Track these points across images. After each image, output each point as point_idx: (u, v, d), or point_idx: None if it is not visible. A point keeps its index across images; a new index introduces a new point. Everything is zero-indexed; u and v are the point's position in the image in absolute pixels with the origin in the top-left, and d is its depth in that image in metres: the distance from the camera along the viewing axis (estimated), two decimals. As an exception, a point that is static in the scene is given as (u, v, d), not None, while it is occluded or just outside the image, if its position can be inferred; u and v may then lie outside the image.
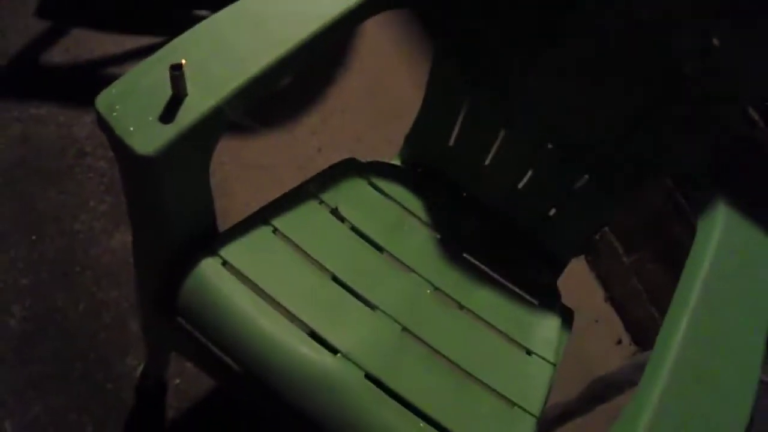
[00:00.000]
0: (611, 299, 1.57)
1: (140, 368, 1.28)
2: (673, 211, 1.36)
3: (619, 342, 1.53)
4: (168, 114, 0.78)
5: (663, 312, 1.39)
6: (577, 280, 1.57)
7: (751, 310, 0.77)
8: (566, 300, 1.07)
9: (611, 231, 1.52)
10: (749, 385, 0.70)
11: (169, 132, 0.76)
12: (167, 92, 0.78)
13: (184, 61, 0.77)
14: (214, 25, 0.86)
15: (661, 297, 1.42)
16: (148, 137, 0.75)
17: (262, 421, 1.26)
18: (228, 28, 0.87)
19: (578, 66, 0.99)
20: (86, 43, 1.75)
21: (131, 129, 0.76)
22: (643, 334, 1.50)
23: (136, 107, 0.77)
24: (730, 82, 0.89)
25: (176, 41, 0.83)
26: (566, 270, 1.13)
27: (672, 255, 1.38)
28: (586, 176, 1.03)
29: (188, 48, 0.82)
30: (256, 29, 0.87)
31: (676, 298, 0.77)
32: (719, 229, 0.82)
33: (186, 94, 0.79)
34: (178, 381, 1.30)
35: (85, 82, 1.67)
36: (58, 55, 1.72)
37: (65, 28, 1.77)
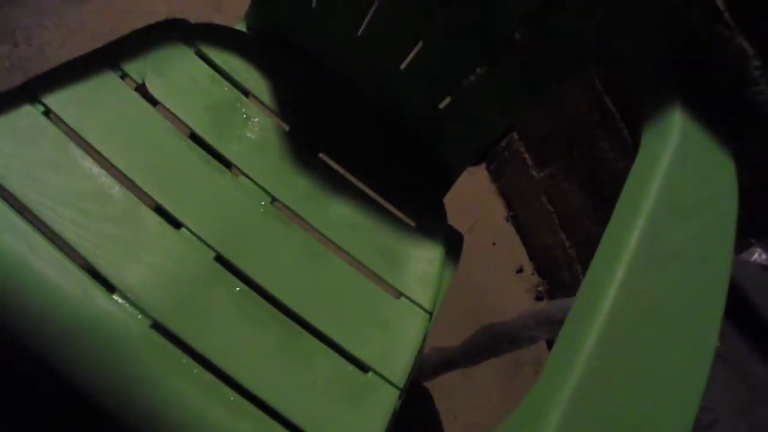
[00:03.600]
0: (514, 219, 1.34)
1: None
2: (600, 120, 1.10)
3: (520, 271, 1.31)
4: None
5: (576, 241, 1.18)
6: (474, 191, 1.33)
7: (711, 254, 0.54)
8: (458, 214, 0.82)
9: (520, 138, 1.26)
10: (701, 375, 0.48)
11: None
12: None
13: None
14: None
15: (576, 223, 1.19)
16: None
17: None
18: None
19: None
20: None
21: None
22: (550, 264, 1.28)
23: None
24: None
25: None
26: (460, 177, 0.88)
27: (594, 174, 1.14)
28: (489, 57, 0.76)
29: None
30: None
31: (609, 236, 0.52)
32: (672, 143, 0.57)
33: None
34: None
35: None
36: None
37: None
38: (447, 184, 0.86)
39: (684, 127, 0.58)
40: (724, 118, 0.62)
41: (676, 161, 0.56)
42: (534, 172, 1.26)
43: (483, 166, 1.36)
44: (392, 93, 0.85)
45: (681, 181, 0.56)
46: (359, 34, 0.82)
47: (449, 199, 0.85)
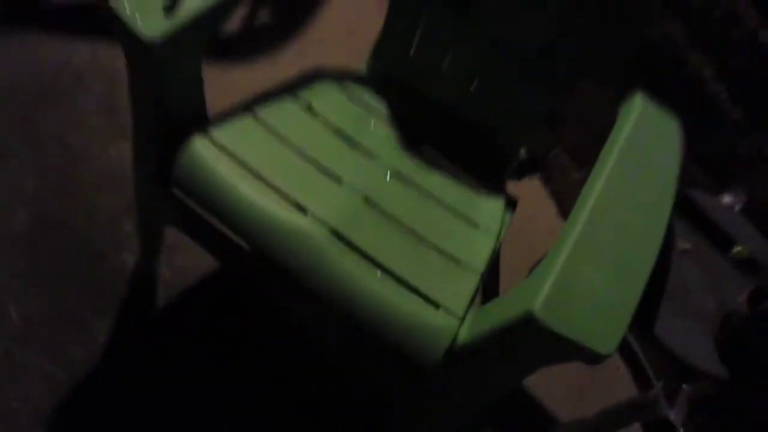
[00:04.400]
0: (563, 213, 1.73)
1: (133, 262, 1.43)
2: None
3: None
4: (170, 8, 0.91)
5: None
6: (532, 196, 1.73)
7: (660, 178, 0.93)
8: (521, 213, 1.21)
9: (563, 150, 1.67)
10: (655, 237, 0.86)
11: (170, 23, 0.90)
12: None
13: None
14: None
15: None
16: (152, 25, 0.89)
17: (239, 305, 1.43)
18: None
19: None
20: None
21: (138, 18, 0.90)
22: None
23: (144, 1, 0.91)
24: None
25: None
26: (522, 187, 1.28)
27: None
28: (524, 76, 1.19)
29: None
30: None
31: (596, 165, 0.92)
32: (635, 112, 0.98)
33: (183, -6, 0.92)
34: (167, 272, 1.45)
35: (84, 16, 1.81)
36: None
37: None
38: (505, 160, 1.27)
39: (643, 104, 0.98)
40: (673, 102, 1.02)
41: (637, 124, 0.96)
42: (575, 174, 1.65)
43: (538, 175, 1.76)
44: (464, 104, 1.27)
45: (641, 136, 0.97)
46: (441, 69, 1.26)
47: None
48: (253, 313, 1.46)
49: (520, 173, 1.67)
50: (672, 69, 1.34)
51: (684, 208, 1.13)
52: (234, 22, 1.90)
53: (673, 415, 1.03)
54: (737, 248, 1.11)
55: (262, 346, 1.44)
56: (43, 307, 1.37)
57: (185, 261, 1.47)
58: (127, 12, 0.90)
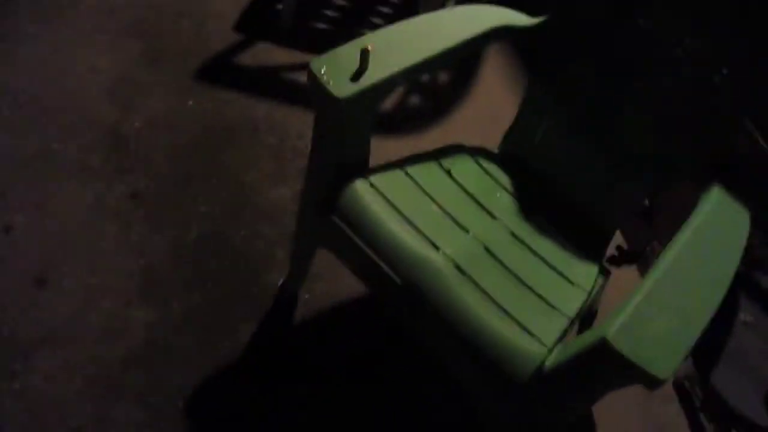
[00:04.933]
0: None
1: (280, 282, 1.72)
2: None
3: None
4: (355, 78, 1.22)
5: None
6: (628, 284, 1.92)
7: (725, 253, 1.15)
8: (617, 301, 1.42)
9: (659, 242, 1.86)
10: (716, 294, 1.06)
11: (354, 87, 1.21)
12: (356, 65, 1.23)
13: (369, 47, 1.23)
14: (391, 31, 1.34)
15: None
16: (341, 88, 1.20)
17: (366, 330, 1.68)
18: (399, 34, 1.34)
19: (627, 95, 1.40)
20: (267, 53, 2.29)
21: (331, 82, 1.21)
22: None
23: (336, 70, 1.23)
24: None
25: (366, 36, 1.30)
26: (618, 275, 1.49)
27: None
28: (625, 175, 1.43)
29: (373, 40, 1.27)
30: (415, 37, 1.35)
31: (673, 240, 1.15)
32: (711, 201, 1.21)
33: (367, 68, 1.23)
34: (307, 296, 1.73)
35: (264, 81, 2.20)
36: (246, 59, 2.26)
37: (254, 41, 2.32)
38: (605, 236, 1.49)
39: (719, 195, 1.21)
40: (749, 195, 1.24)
41: (712, 210, 1.18)
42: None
43: (635, 266, 1.95)
44: (575, 185, 1.51)
45: (713, 220, 1.18)
46: (558, 157, 1.51)
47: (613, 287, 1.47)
48: (378, 339, 1.71)
49: (619, 262, 1.88)
50: (752, 170, 1.55)
51: (752, 288, 1.32)
52: (390, 103, 2.24)
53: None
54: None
55: (385, 369, 1.67)
56: (200, 306, 1.68)
57: (324, 288, 1.75)
58: (325, 78, 1.21)
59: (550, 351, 1.17)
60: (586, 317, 1.42)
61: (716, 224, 1.20)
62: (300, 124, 2.08)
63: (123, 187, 1.87)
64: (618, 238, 1.98)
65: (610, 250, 1.94)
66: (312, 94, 1.25)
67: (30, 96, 2.05)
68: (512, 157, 1.58)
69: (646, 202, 1.93)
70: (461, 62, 2.43)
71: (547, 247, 1.39)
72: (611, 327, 0.97)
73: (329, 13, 2.48)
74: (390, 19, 1.32)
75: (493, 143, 1.62)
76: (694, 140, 1.34)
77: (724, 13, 1.28)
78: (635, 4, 1.37)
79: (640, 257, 1.91)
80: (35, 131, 1.97)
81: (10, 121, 1.98)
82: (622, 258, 1.90)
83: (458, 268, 1.24)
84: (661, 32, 1.36)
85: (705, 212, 1.20)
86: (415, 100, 2.30)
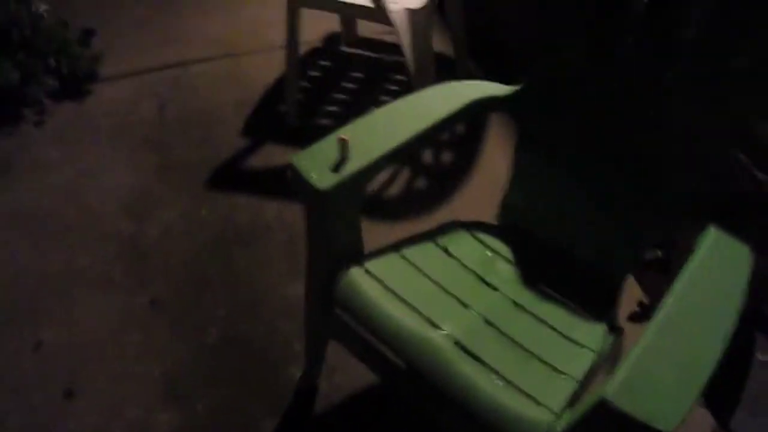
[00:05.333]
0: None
1: (299, 375, 1.73)
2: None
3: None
4: (336, 168, 1.26)
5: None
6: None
7: (726, 295, 1.13)
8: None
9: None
10: (719, 341, 1.04)
11: (336, 178, 1.25)
12: (336, 156, 1.27)
13: (346, 137, 1.27)
14: (368, 119, 1.38)
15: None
16: (323, 180, 1.24)
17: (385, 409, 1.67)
18: (376, 120, 1.39)
19: (616, 148, 1.41)
20: (274, 154, 2.38)
21: (313, 175, 1.24)
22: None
23: (317, 163, 1.27)
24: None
25: (345, 128, 1.33)
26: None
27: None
28: (622, 230, 1.43)
29: (351, 131, 1.31)
30: (392, 122, 1.40)
31: (672, 286, 1.13)
32: (707, 241, 1.20)
33: (347, 158, 1.27)
34: (326, 388, 1.73)
35: (273, 181, 2.28)
36: (254, 162, 2.35)
37: (260, 143, 2.42)
38: (611, 291, 1.47)
39: (715, 234, 1.19)
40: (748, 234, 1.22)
41: (709, 251, 1.17)
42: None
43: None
44: (575, 247, 1.51)
45: (711, 261, 1.17)
46: (554, 220, 1.52)
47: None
48: (394, 427, 1.69)
49: (642, 317, 1.85)
50: (759, 208, 1.54)
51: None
52: (398, 188, 2.29)
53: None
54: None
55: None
56: (223, 405, 1.70)
57: (341, 380, 1.75)
58: (306, 171, 1.25)
59: (559, 416, 1.15)
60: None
61: (714, 266, 1.18)
62: None
63: (144, 297, 1.93)
64: (640, 294, 1.96)
65: (632, 307, 1.92)
66: (297, 189, 1.29)
67: (55, 217, 2.16)
68: (510, 226, 1.59)
69: (659, 253, 1.92)
70: (464, 140, 2.48)
71: (550, 312, 1.38)
72: (611, 385, 0.96)
73: (331, 108, 2.58)
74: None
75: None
76: (690, 182, 1.34)
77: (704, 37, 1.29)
78: (614, 44, 1.39)
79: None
80: (61, 249, 2.06)
81: (38, 241, 2.09)
82: (644, 314, 1.87)
83: (459, 344, 1.24)
84: (642, 66, 1.37)
85: (701, 255, 1.18)
86: (420, 183, 2.33)
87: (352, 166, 1.27)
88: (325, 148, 1.29)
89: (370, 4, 2.08)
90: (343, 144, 1.27)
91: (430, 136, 1.41)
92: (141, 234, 2.11)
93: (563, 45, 1.46)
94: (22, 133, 2.49)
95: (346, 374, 1.75)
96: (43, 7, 2.67)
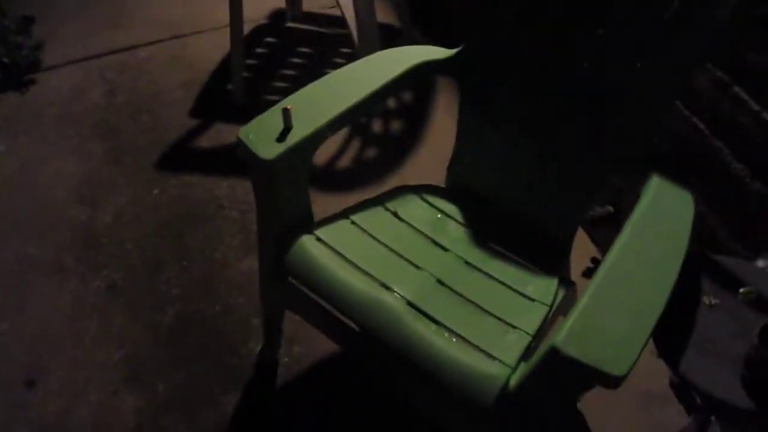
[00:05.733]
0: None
1: (258, 349, 1.74)
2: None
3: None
4: (281, 138, 1.26)
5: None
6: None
7: (671, 240, 1.15)
8: None
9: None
10: (665, 286, 1.06)
11: (281, 147, 1.25)
12: (281, 125, 1.27)
13: (290, 107, 1.26)
14: (311, 88, 1.38)
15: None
16: (269, 150, 1.23)
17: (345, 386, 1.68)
18: (319, 89, 1.38)
19: (555, 105, 1.43)
20: (224, 133, 2.37)
21: (259, 146, 1.24)
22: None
23: (262, 134, 1.26)
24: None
25: (288, 98, 1.33)
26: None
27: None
28: (563, 183, 1.46)
29: (294, 101, 1.31)
30: (334, 90, 1.39)
31: (619, 234, 1.16)
32: (651, 190, 1.23)
33: (291, 127, 1.27)
34: (286, 359, 1.74)
35: (223, 159, 2.27)
36: (204, 141, 2.33)
37: (209, 123, 2.40)
38: (561, 246, 1.50)
39: (658, 183, 1.22)
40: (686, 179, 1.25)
41: (653, 198, 1.20)
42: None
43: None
44: (521, 204, 1.53)
45: (656, 207, 1.20)
46: (500, 180, 1.53)
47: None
48: (356, 393, 1.70)
49: (594, 273, 1.88)
50: (700, 156, 1.57)
51: (714, 270, 1.32)
52: (349, 159, 2.29)
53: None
54: (744, 289, 1.27)
55: (366, 423, 1.67)
56: (184, 383, 1.70)
57: (301, 351, 1.75)
58: (252, 143, 1.24)
59: (514, 370, 1.17)
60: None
61: (658, 212, 1.20)
62: None
63: (99, 282, 1.91)
64: (593, 250, 1.99)
65: (586, 264, 1.95)
66: (244, 161, 1.28)
67: (3, 209, 2.12)
68: (458, 188, 1.60)
69: (611, 209, 1.95)
70: (412, 108, 2.49)
71: (502, 269, 1.40)
72: (561, 334, 0.98)
73: (279, 84, 2.58)
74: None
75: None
76: (629, 131, 1.36)
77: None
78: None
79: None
80: (11, 241, 2.03)
81: (-15, 235, 2.04)
82: (597, 269, 1.90)
83: (411, 305, 1.25)
84: (575, 20, 1.37)
85: (645, 202, 1.21)
86: (371, 153, 2.34)
87: (296, 135, 1.27)
88: (270, 119, 1.29)
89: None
90: (287, 114, 1.26)
91: (374, 102, 1.41)
92: (93, 220, 2.08)
93: (497, 4, 1.46)
94: (-35, 126, 2.43)
95: (304, 345, 1.76)
96: (-23, -4, 2.61)
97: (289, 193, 1.34)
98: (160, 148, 2.31)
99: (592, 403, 1.62)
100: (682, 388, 1.73)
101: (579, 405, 1.57)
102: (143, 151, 2.30)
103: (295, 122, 1.27)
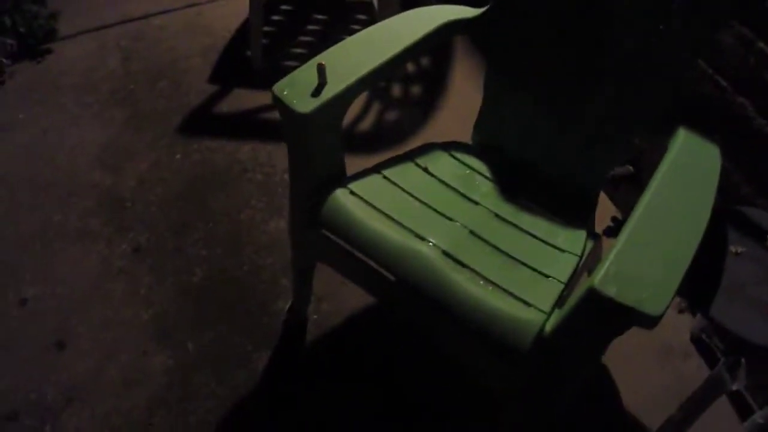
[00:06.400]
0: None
1: (287, 308, 1.76)
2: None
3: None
4: (316, 93, 1.28)
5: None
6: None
7: (699, 190, 1.18)
8: None
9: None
10: (694, 233, 1.09)
11: (317, 101, 1.27)
12: (315, 81, 1.29)
13: (324, 63, 1.28)
14: (344, 45, 1.40)
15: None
16: (304, 104, 1.26)
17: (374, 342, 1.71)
18: (351, 46, 1.40)
19: (581, 67, 1.45)
20: (243, 98, 2.38)
21: (294, 101, 1.26)
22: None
23: (297, 89, 1.28)
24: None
25: (322, 54, 1.35)
26: None
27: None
28: (588, 140, 1.48)
29: (328, 57, 1.34)
30: (366, 47, 1.41)
31: (649, 184, 1.18)
32: (678, 142, 1.26)
33: (326, 83, 1.29)
34: (315, 317, 1.77)
35: (244, 124, 2.29)
36: (224, 107, 2.35)
37: (229, 89, 2.42)
38: (590, 200, 1.53)
39: (685, 135, 1.25)
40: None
41: (680, 149, 1.22)
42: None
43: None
44: (550, 160, 1.55)
45: (684, 158, 1.22)
46: (527, 136, 1.56)
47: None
48: (390, 346, 1.74)
49: (616, 231, 1.91)
50: (723, 113, 1.59)
51: (740, 221, 1.34)
52: (369, 122, 2.32)
53: (735, 386, 1.22)
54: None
55: (401, 375, 1.70)
56: (214, 342, 1.73)
57: (330, 308, 1.79)
58: (288, 98, 1.26)
59: (549, 315, 1.20)
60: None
61: (686, 162, 1.24)
62: (284, 158, 2.07)
63: (125, 245, 1.94)
64: (613, 209, 2.02)
65: (606, 222, 1.98)
66: (280, 115, 1.31)
67: (26, 177, 2.14)
68: (486, 145, 1.62)
69: (631, 168, 1.98)
70: (431, 72, 2.51)
71: (532, 222, 1.42)
72: (597, 275, 1.01)
73: (296, 50, 2.59)
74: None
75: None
76: (654, 91, 1.38)
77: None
78: None
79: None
80: (35, 208, 2.05)
81: (10, 202, 2.07)
82: (618, 227, 1.93)
83: (446, 254, 1.28)
84: None
85: (674, 153, 1.24)
86: (391, 115, 2.36)
87: (331, 90, 1.29)
88: (304, 75, 1.31)
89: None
90: (321, 69, 1.28)
91: (405, 59, 1.43)
92: (116, 185, 2.10)
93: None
94: (-17, 96, 2.45)
95: (333, 303, 1.79)
96: (-7, -34, 2.61)
97: (324, 148, 1.37)
98: (180, 114, 2.33)
99: (614, 357, 1.67)
100: (703, 342, 1.76)
101: (602, 358, 1.61)
102: (163, 117, 2.32)
103: (329, 78, 1.29)
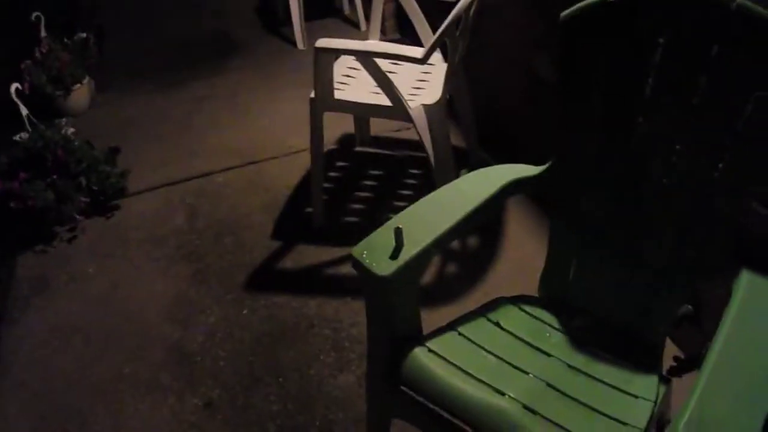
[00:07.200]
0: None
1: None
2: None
3: None
4: (394, 255, 1.36)
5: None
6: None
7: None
8: None
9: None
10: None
11: (395, 264, 1.35)
12: (392, 244, 1.37)
13: (401, 226, 1.37)
14: (416, 207, 1.50)
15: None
16: (384, 267, 1.34)
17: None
18: (424, 209, 1.50)
19: (643, 220, 1.52)
20: (306, 254, 2.49)
21: (374, 264, 1.35)
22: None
23: (376, 253, 1.37)
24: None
25: (395, 218, 1.45)
26: (687, 382, 1.56)
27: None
28: (653, 289, 1.54)
29: (403, 220, 1.43)
30: (438, 209, 1.51)
31: (719, 328, 1.22)
32: (742, 285, 1.31)
33: (402, 245, 1.38)
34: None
35: (309, 280, 2.39)
36: (288, 262, 2.46)
37: (291, 245, 2.53)
38: (655, 348, 1.56)
39: (749, 277, 1.30)
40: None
41: (745, 293, 1.27)
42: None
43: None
44: (616, 313, 1.60)
45: (751, 302, 1.27)
46: (593, 289, 1.61)
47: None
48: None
49: (679, 371, 1.92)
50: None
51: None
52: (431, 277, 2.38)
53: None
54: None
55: None
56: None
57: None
58: (367, 261, 1.35)
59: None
60: (662, 427, 1.46)
61: (754, 305, 1.28)
62: (350, 313, 2.23)
63: (196, 400, 1.98)
64: (674, 350, 2.03)
65: (668, 362, 1.99)
66: (359, 277, 1.38)
67: (97, 328, 2.25)
68: (552, 297, 1.68)
69: (689, 307, 2.00)
70: (487, 225, 2.60)
71: (604, 370, 1.46)
72: (681, 420, 1.05)
73: (355, 206, 2.72)
74: (411, 200, 1.48)
75: (532, 290, 1.73)
76: (710, 235, 1.45)
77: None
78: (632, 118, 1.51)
79: (699, 362, 1.94)
80: (107, 359, 2.14)
81: (83, 352, 2.17)
82: (681, 367, 1.94)
83: (526, 407, 1.31)
84: (657, 140, 1.48)
85: (739, 297, 1.28)
86: (452, 269, 2.44)
87: (408, 253, 1.37)
88: (381, 238, 1.40)
89: (391, 104, 2.22)
90: (399, 233, 1.37)
91: (475, 220, 1.52)
92: (185, 339, 2.18)
93: (581, 128, 1.58)
94: (57, 250, 2.61)
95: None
96: (71, 130, 2.83)
97: (402, 307, 1.44)
98: (245, 270, 2.44)
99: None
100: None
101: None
102: (229, 272, 2.43)
103: (405, 241, 1.38)
